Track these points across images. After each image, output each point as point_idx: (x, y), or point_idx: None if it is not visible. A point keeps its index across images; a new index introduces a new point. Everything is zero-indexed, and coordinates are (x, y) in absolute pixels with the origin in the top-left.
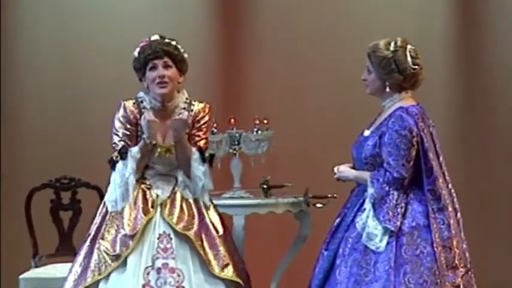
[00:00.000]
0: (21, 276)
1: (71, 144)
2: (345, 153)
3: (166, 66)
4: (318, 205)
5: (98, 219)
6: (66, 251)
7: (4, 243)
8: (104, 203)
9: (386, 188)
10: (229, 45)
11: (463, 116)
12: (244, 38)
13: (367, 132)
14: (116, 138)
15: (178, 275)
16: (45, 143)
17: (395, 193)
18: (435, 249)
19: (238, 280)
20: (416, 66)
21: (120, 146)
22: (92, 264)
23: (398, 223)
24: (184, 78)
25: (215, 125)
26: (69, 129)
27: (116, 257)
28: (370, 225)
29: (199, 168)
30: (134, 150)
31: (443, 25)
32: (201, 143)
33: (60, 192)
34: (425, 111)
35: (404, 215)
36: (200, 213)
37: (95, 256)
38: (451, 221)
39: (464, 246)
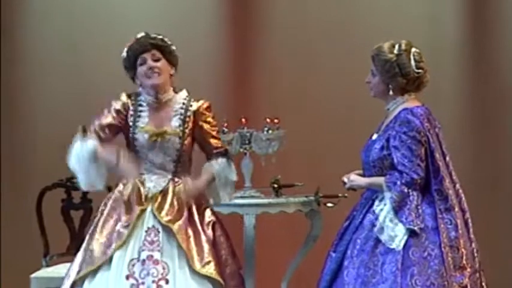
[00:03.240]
0: (32, 276)
1: None
2: (356, 153)
3: (155, 59)
4: (329, 204)
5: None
6: (77, 250)
7: (15, 243)
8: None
9: (406, 190)
10: (239, 44)
11: (474, 119)
12: (255, 37)
13: (374, 136)
14: (98, 117)
15: (163, 268)
16: (57, 143)
17: (415, 193)
18: (443, 249)
19: (218, 278)
20: (420, 70)
21: (93, 126)
22: (81, 260)
23: (422, 224)
24: (177, 71)
25: (225, 124)
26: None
27: (105, 254)
28: (389, 226)
29: (232, 171)
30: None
31: (454, 29)
32: (218, 143)
33: (71, 191)
34: (431, 112)
35: None
36: (190, 211)
37: (87, 252)
38: (458, 221)
39: (474, 246)
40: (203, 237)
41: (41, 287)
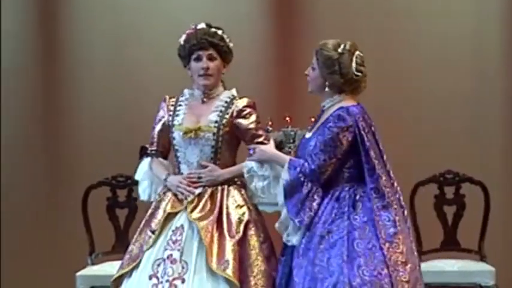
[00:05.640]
0: (77, 274)
1: (127, 143)
2: (400, 149)
3: (211, 58)
4: None
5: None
6: (122, 248)
7: (61, 241)
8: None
9: (302, 179)
10: (284, 43)
11: None
12: (300, 35)
13: (308, 134)
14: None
15: (183, 267)
16: (101, 142)
17: (310, 185)
18: (382, 245)
19: (234, 280)
20: (359, 73)
21: (149, 143)
22: (123, 260)
23: (306, 218)
24: (229, 67)
25: (270, 123)
26: (125, 128)
27: (138, 256)
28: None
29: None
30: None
31: (501, 26)
32: (258, 139)
33: (116, 190)
34: (366, 111)
35: (355, 210)
36: (221, 210)
37: (128, 253)
38: (397, 218)
39: (412, 243)
40: (227, 237)
41: (87, 285)
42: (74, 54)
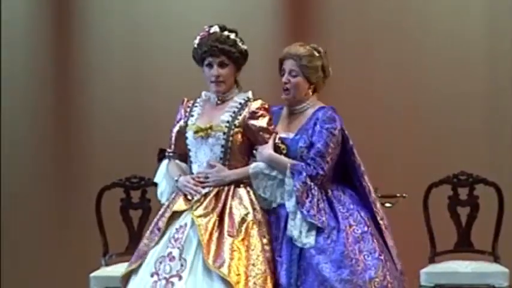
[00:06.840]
0: (91, 275)
1: (140, 144)
2: (414, 150)
3: (221, 65)
4: (387, 204)
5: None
6: (135, 249)
7: (74, 242)
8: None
9: (309, 182)
10: (295, 41)
11: None
12: (313, 37)
13: (289, 135)
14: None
15: (181, 265)
16: (115, 143)
17: (316, 188)
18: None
19: (228, 279)
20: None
21: (168, 146)
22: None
23: (324, 219)
24: (241, 70)
25: None
26: (139, 129)
27: (145, 253)
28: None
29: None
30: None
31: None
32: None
33: (130, 191)
34: None
35: (357, 207)
36: (224, 209)
37: (138, 250)
38: (383, 215)
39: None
40: (227, 236)
41: (100, 286)
42: (88, 56)
